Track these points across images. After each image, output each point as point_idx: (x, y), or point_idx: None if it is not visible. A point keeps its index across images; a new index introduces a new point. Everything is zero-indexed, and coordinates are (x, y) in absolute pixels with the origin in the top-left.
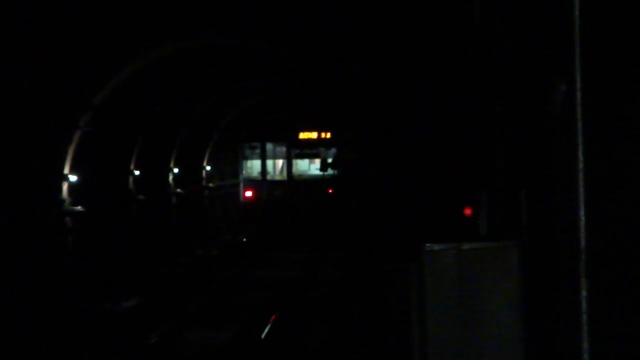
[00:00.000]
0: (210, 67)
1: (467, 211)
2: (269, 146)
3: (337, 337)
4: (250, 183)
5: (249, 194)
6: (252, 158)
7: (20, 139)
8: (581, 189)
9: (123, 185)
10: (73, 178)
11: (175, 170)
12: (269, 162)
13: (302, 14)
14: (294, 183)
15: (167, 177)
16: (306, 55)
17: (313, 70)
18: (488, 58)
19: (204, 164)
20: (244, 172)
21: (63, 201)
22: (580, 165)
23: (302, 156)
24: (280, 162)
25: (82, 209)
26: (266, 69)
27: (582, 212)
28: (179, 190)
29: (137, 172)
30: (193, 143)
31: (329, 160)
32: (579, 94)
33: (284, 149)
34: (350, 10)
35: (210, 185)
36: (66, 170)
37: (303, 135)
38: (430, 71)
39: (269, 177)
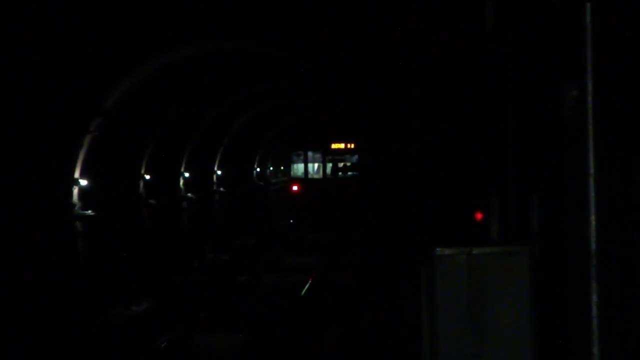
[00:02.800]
0: (222, 72)
1: (478, 216)
2: (310, 153)
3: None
4: (296, 180)
5: (295, 188)
6: (297, 162)
7: (31, 142)
8: (592, 194)
9: (134, 190)
10: (83, 182)
11: (186, 174)
12: (310, 165)
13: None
14: (327, 180)
15: (178, 181)
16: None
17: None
18: (500, 63)
19: (215, 168)
20: (291, 172)
21: (73, 205)
22: (591, 169)
23: (333, 161)
24: (316, 165)
25: (92, 213)
26: (277, 74)
27: (592, 217)
28: (189, 194)
29: (147, 177)
30: (204, 147)
31: (343, 165)
32: (590, 99)
33: (319, 155)
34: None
35: (222, 189)
36: (77, 175)
37: (334, 146)
38: (442, 77)
39: (309, 176)
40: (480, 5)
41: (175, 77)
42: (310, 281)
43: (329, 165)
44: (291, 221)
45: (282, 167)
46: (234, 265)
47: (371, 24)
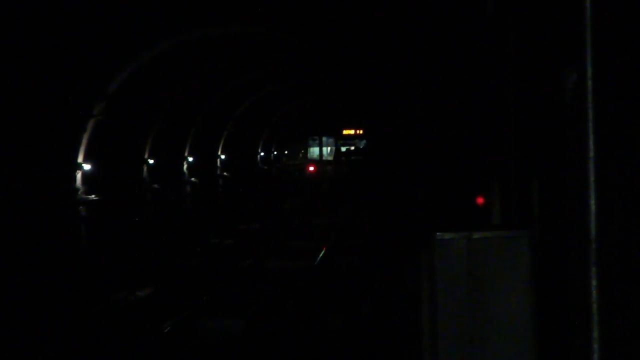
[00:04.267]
0: (226, 56)
1: (480, 200)
2: (324, 138)
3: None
4: (313, 161)
5: (311, 168)
6: (313, 146)
7: (35, 127)
8: (592, 178)
9: (137, 174)
10: (87, 167)
11: (190, 159)
12: (324, 149)
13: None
14: (339, 162)
15: (182, 166)
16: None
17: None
18: (501, 48)
19: (219, 152)
20: (308, 155)
21: (77, 190)
22: (591, 154)
23: (344, 145)
24: (329, 149)
25: (96, 198)
26: (282, 58)
27: (592, 201)
28: (193, 179)
29: (151, 161)
30: (208, 132)
31: (346, 149)
32: (589, 83)
33: (332, 140)
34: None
35: (225, 174)
36: (80, 159)
37: (345, 132)
38: (445, 62)
39: (323, 158)
40: None
41: (179, 61)
42: (314, 265)
43: (331, 149)
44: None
45: (286, 152)
46: (237, 249)
47: (374, 12)
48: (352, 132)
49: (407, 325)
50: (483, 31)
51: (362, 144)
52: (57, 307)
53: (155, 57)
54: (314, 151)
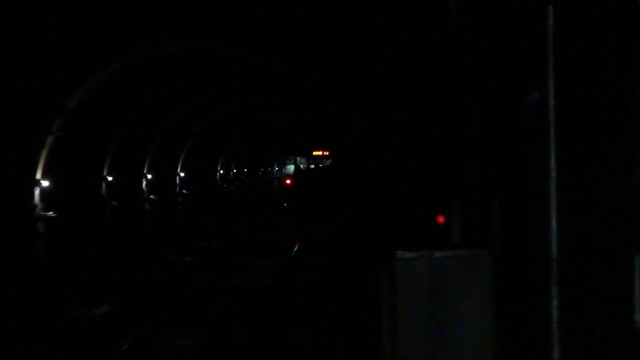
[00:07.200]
0: (186, 72)
1: (440, 219)
2: (298, 158)
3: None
4: (289, 175)
5: (288, 181)
6: (289, 164)
7: None
8: (553, 198)
9: (96, 191)
10: (45, 183)
11: (149, 176)
12: (291, 166)
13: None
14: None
15: (141, 183)
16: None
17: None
18: (463, 67)
19: (178, 170)
20: (285, 170)
21: (35, 206)
22: (553, 174)
23: (313, 164)
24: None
25: (54, 215)
26: (241, 77)
27: (553, 221)
28: (152, 196)
29: (110, 178)
30: (167, 149)
31: (305, 168)
32: (551, 102)
33: (304, 159)
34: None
35: (185, 191)
36: (38, 176)
37: (315, 153)
38: (406, 82)
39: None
40: (443, 13)
41: (139, 77)
42: (274, 283)
43: (292, 167)
44: (285, 204)
45: (245, 170)
46: (196, 267)
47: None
48: (319, 153)
49: (368, 343)
50: (445, 51)
51: (327, 162)
52: (15, 323)
53: (115, 73)
54: (290, 168)
